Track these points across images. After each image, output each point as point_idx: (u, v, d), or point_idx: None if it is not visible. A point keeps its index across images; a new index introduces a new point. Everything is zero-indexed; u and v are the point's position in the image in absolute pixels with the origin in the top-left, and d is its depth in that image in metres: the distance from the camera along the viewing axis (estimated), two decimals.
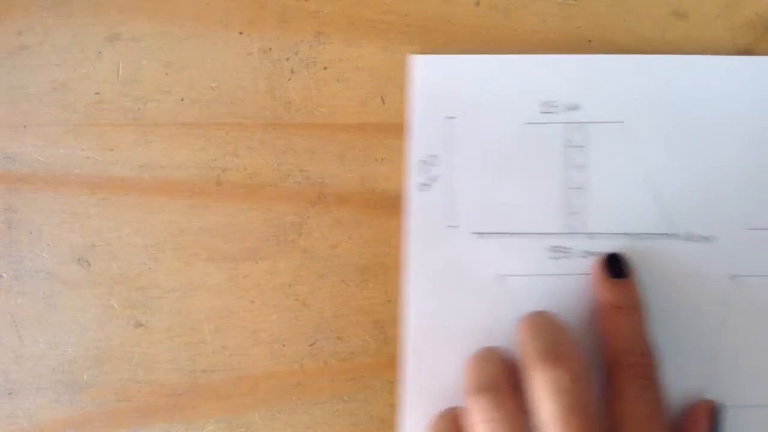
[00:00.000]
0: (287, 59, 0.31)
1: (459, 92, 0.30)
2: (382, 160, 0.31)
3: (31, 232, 0.31)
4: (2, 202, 0.31)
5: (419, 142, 0.30)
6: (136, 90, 0.31)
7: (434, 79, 0.30)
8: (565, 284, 0.30)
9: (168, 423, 0.31)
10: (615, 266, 0.29)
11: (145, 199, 0.31)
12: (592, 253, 0.30)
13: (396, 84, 0.31)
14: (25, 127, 0.31)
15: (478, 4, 0.31)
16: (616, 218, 0.30)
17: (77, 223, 0.31)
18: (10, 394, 0.31)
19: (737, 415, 0.30)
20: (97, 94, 0.31)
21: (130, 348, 0.31)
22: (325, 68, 0.31)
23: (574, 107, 0.30)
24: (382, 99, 0.31)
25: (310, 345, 0.31)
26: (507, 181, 0.30)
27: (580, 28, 0.31)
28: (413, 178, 0.30)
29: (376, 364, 0.31)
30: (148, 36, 0.31)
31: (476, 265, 0.30)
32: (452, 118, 0.30)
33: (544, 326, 0.27)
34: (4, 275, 0.31)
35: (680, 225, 0.30)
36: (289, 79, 0.31)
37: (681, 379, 0.30)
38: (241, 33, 0.31)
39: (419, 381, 0.30)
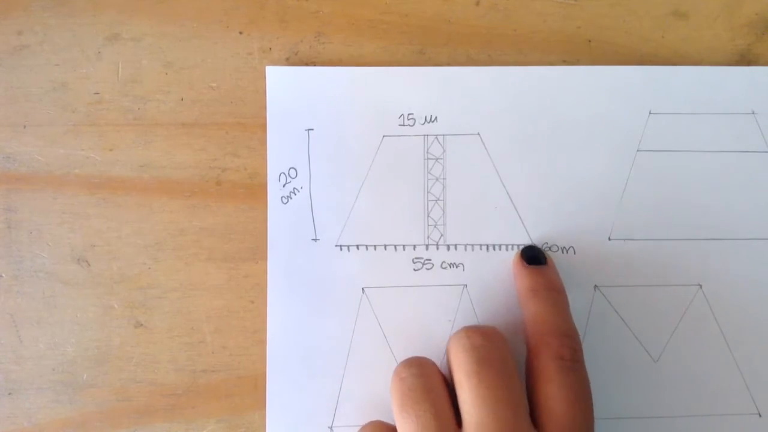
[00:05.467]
0: (287, 59, 0.31)
1: (318, 104, 0.30)
2: None
3: (31, 232, 0.31)
4: (2, 202, 0.31)
5: (278, 154, 0.30)
6: (136, 90, 0.31)
7: (292, 91, 0.30)
8: (428, 296, 0.30)
9: (168, 423, 0.31)
10: (533, 256, 0.29)
11: (145, 199, 0.31)
12: (452, 265, 0.30)
13: None
14: (25, 127, 0.31)
15: (478, 4, 0.31)
16: (474, 229, 0.30)
17: (77, 223, 0.31)
18: (10, 394, 0.31)
19: (598, 427, 0.30)
20: (97, 94, 0.31)
21: (130, 348, 0.31)
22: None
23: (431, 119, 0.30)
24: None
25: None
26: (368, 193, 0.30)
27: (580, 28, 0.31)
28: (274, 192, 0.30)
29: None
30: (148, 36, 0.31)
31: (339, 278, 0.30)
32: (311, 130, 0.30)
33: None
34: (4, 275, 0.31)
35: (538, 236, 0.30)
36: None
37: None
38: (241, 33, 0.31)
39: (281, 397, 0.30)
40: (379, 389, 0.30)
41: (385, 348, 0.30)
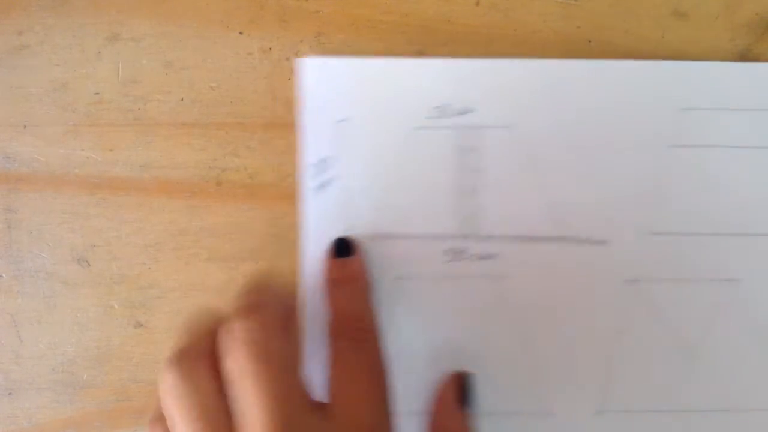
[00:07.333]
0: (287, 59, 0.31)
1: (352, 95, 0.30)
2: None
3: (31, 232, 0.31)
4: (2, 202, 0.31)
5: (312, 144, 0.30)
6: (136, 90, 0.31)
7: (326, 82, 0.30)
8: (461, 286, 0.30)
9: None
10: (341, 248, 0.29)
11: (145, 199, 0.31)
12: (486, 256, 0.30)
13: None
14: (25, 127, 0.31)
15: (478, 4, 0.31)
16: (509, 221, 0.30)
17: (77, 223, 0.31)
18: (10, 394, 0.31)
19: (630, 419, 0.30)
20: (97, 94, 0.31)
21: (130, 348, 0.31)
22: None
23: (466, 111, 0.30)
24: None
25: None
26: (401, 184, 0.30)
27: (580, 28, 0.31)
28: (308, 181, 0.30)
29: None
30: (148, 36, 0.31)
31: (372, 267, 0.30)
32: (346, 120, 0.30)
33: (255, 283, 0.26)
34: (4, 275, 0.31)
35: (572, 229, 0.30)
36: (289, 79, 0.31)
37: (579, 382, 0.30)
38: (241, 33, 0.31)
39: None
40: (414, 379, 0.30)
41: (418, 338, 0.30)
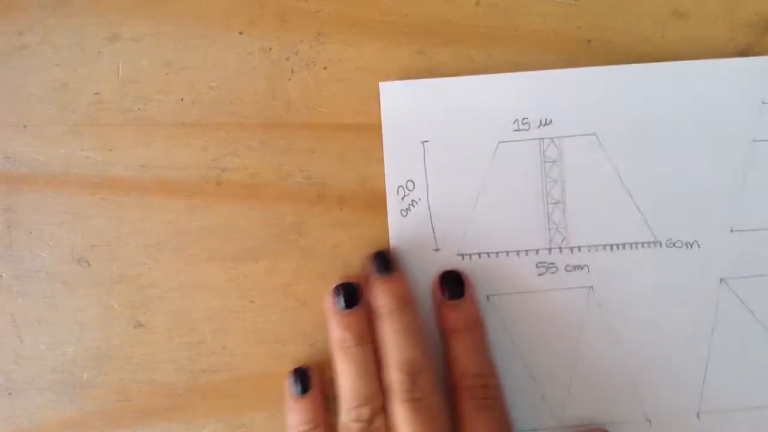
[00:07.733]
0: (287, 59, 0.31)
1: (431, 116, 0.30)
2: (381, 160, 0.31)
3: (31, 232, 0.31)
4: (2, 202, 0.31)
5: (395, 168, 0.30)
6: (136, 90, 0.31)
7: (405, 105, 0.30)
8: (553, 299, 0.30)
9: (168, 423, 0.31)
10: (452, 285, 0.29)
11: (145, 199, 0.31)
12: (577, 267, 0.30)
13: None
14: (25, 127, 0.31)
15: (478, 4, 0.31)
16: (597, 230, 0.30)
17: (77, 223, 0.31)
18: (10, 394, 0.31)
19: (731, 419, 0.30)
20: (97, 94, 0.31)
21: (130, 348, 0.31)
22: (325, 68, 0.31)
23: (546, 123, 0.30)
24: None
25: (310, 345, 0.31)
26: (487, 200, 0.30)
27: (580, 28, 0.31)
28: (393, 205, 0.30)
29: None
30: (148, 36, 0.31)
31: None
32: (426, 142, 0.30)
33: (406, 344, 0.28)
34: (4, 275, 0.31)
35: (661, 232, 0.30)
36: (289, 79, 0.31)
37: (676, 386, 0.30)
38: (241, 33, 0.31)
39: None
40: (509, 397, 0.30)
41: (512, 355, 0.30)
